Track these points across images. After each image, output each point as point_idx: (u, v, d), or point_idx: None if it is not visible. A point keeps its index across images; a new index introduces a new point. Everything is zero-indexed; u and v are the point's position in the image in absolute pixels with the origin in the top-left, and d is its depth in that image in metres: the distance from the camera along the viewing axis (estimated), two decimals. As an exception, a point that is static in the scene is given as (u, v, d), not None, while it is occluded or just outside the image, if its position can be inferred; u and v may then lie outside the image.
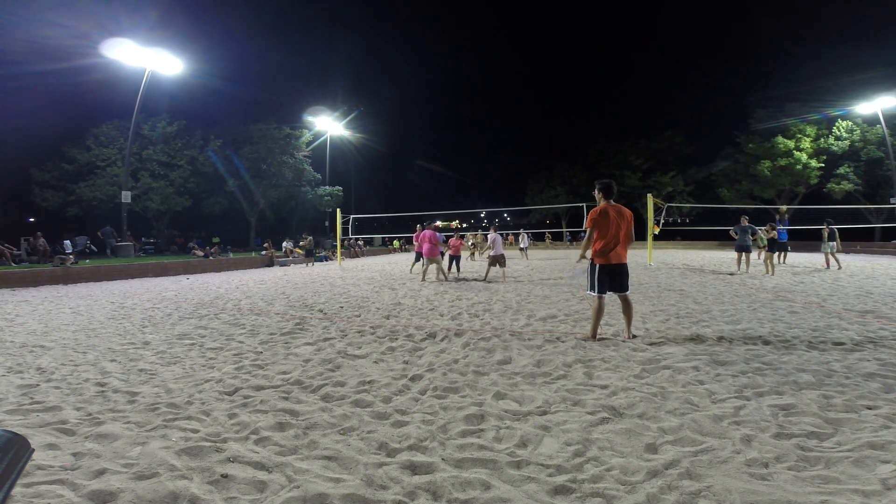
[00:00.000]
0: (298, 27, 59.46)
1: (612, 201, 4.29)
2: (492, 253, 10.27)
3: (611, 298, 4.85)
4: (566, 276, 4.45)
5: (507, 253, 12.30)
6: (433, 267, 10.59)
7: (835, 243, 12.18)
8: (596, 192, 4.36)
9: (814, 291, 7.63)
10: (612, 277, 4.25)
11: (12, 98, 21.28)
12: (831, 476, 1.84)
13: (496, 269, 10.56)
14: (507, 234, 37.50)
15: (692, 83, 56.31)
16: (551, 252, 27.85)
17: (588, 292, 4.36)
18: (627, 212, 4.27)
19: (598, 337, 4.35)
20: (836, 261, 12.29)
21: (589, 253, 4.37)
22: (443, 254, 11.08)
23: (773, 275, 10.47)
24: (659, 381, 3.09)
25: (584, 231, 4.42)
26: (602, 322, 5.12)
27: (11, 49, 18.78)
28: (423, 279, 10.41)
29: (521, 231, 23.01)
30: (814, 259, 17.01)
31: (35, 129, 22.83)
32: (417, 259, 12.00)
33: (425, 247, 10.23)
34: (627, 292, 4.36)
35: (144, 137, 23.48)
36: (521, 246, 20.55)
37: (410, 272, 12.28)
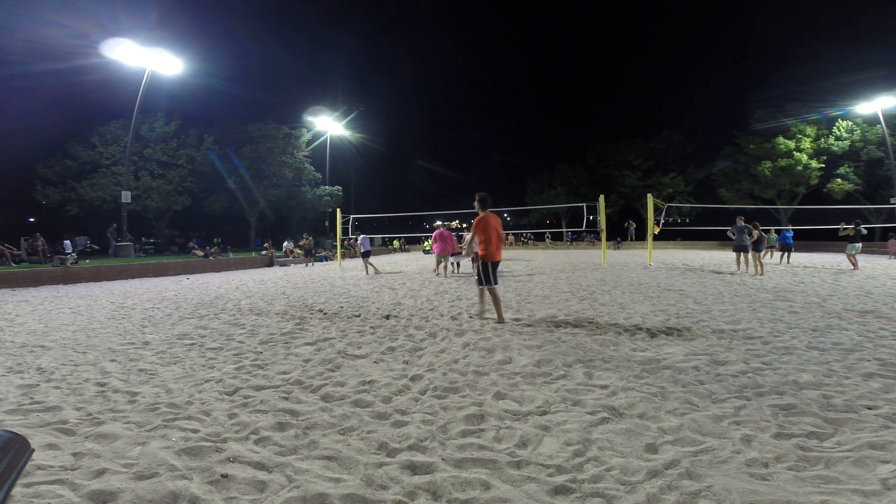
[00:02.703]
0: (298, 27, 59.44)
1: (488, 210, 5.28)
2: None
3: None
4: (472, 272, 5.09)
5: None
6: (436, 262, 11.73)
7: (860, 244, 12.12)
8: (476, 203, 5.32)
9: (814, 291, 7.63)
10: (494, 271, 5.22)
11: (12, 98, 21.29)
12: (831, 476, 1.84)
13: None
14: (508, 234, 37.57)
15: (692, 83, 56.35)
16: (550, 252, 27.84)
17: (483, 286, 5.30)
18: (499, 219, 5.36)
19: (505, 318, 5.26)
20: (855, 262, 12.18)
21: (476, 251, 5.37)
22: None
23: (762, 274, 10.50)
24: (659, 381, 3.09)
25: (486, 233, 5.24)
26: (604, 321, 5.14)
27: (12, 49, 18.81)
28: (447, 275, 11.49)
29: None
30: (816, 259, 17.03)
31: (35, 128, 22.84)
32: (440, 261, 12.05)
33: (438, 245, 11.36)
34: (498, 285, 5.36)
35: (144, 137, 23.50)
36: None
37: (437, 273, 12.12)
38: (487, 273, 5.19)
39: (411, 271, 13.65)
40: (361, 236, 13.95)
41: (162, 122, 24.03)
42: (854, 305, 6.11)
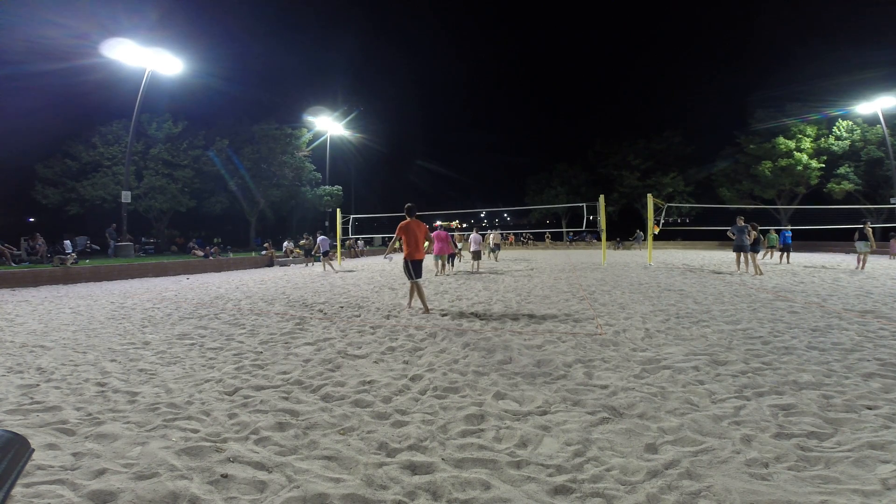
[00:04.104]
0: (298, 27, 59.34)
1: (414, 218, 6.21)
2: (471, 249, 13.59)
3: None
4: (385, 257, 5.94)
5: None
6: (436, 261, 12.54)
7: (869, 243, 12.26)
8: (405, 212, 6.27)
9: (814, 291, 7.63)
10: (416, 268, 6.11)
11: (13, 98, 21.28)
12: (831, 476, 1.84)
13: (491, 261, 14.16)
14: (508, 234, 37.63)
15: (692, 83, 56.35)
16: (550, 252, 27.83)
17: (409, 279, 6.24)
18: (423, 225, 6.32)
19: (429, 309, 6.18)
20: (864, 261, 12.30)
21: (402, 252, 6.26)
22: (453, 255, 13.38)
23: (760, 274, 10.53)
24: (659, 381, 3.09)
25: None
26: (603, 322, 5.16)
27: (12, 49, 18.79)
28: (444, 273, 12.17)
29: (490, 231, 20.46)
30: (816, 259, 17.01)
31: (35, 128, 22.82)
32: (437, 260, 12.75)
33: (436, 245, 11.87)
34: (420, 279, 6.23)
35: (150, 137, 23.47)
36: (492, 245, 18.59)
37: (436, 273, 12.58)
38: (409, 269, 6.15)
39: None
40: (321, 237, 15.18)
41: (170, 122, 23.99)
42: (854, 305, 6.11)
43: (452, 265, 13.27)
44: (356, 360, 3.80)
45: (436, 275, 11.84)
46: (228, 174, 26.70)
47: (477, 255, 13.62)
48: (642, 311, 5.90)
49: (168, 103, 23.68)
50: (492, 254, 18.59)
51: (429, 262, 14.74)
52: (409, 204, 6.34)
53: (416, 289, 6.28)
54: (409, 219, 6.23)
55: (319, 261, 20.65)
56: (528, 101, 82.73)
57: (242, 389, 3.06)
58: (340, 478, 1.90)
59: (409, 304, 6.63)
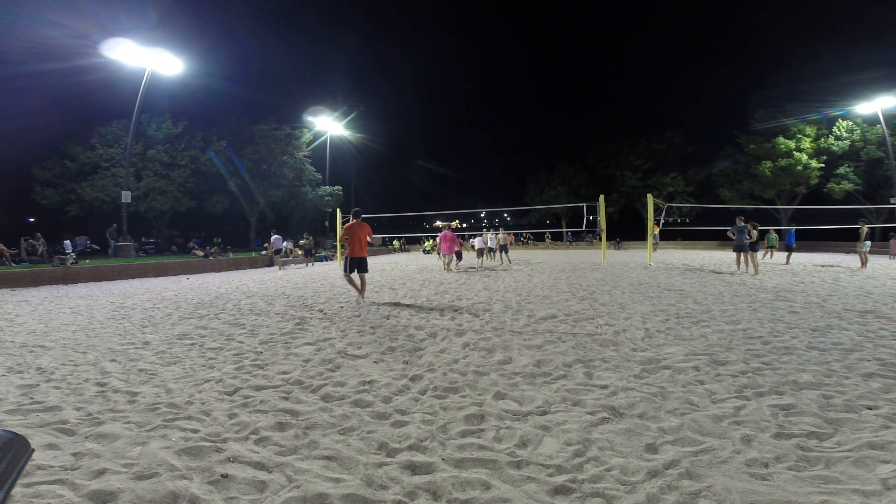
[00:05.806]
0: (298, 27, 59.37)
1: (358, 220, 7.08)
2: (476, 247, 15.26)
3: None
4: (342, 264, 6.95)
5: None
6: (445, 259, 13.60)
7: (870, 242, 12.38)
8: (351, 215, 7.20)
9: (814, 291, 7.63)
10: (357, 264, 7.08)
11: (12, 98, 21.27)
12: (831, 476, 1.84)
13: (492, 261, 16.63)
14: (508, 234, 37.61)
15: (692, 83, 56.40)
16: (550, 252, 27.82)
17: (343, 273, 7.22)
18: (367, 226, 7.17)
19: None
20: (866, 260, 12.45)
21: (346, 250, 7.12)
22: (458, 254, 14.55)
23: (756, 273, 10.56)
24: (659, 381, 3.09)
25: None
26: (603, 322, 5.16)
27: (12, 49, 18.77)
28: (455, 269, 13.26)
29: (486, 232, 18.12)
30: (816, 259, 17.01)
31: (35, 128, 22.80)
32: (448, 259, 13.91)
33: (444, 245, 12.92)
34: (366, 273, 7.26)
35: (149, 138, 23.44)
36: (490, 246, 16.71)
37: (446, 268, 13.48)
38: (346, 265, 7.08)
39: (411, 270, 13.65)
40: (275, 236, 16.19)
41: (170, 122, 23.95)
42: (854, 305, 6.11)
43: (459, 262, 14.44)
44: (356, 360, 3.80)
45: (448, 271, 12.84)
46: (228, 174, 26.69)
47: (480, 254, 15.21)
48: (642, 310, 5.90)
49: (168, 103, 23.64)
50: (503, 254, 17.08)
51: (433, 260, 16.36)
52: (355, 208, 7.31)
53: (350, 282, 7.17)
54: (353, 221, 7.04)
55: (320, 261, 20.78)
56: (528, 101, 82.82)
57: (242, 389, 3.06)
58: (340, 478, 1.90)
59: (362, 296, 7.20)
